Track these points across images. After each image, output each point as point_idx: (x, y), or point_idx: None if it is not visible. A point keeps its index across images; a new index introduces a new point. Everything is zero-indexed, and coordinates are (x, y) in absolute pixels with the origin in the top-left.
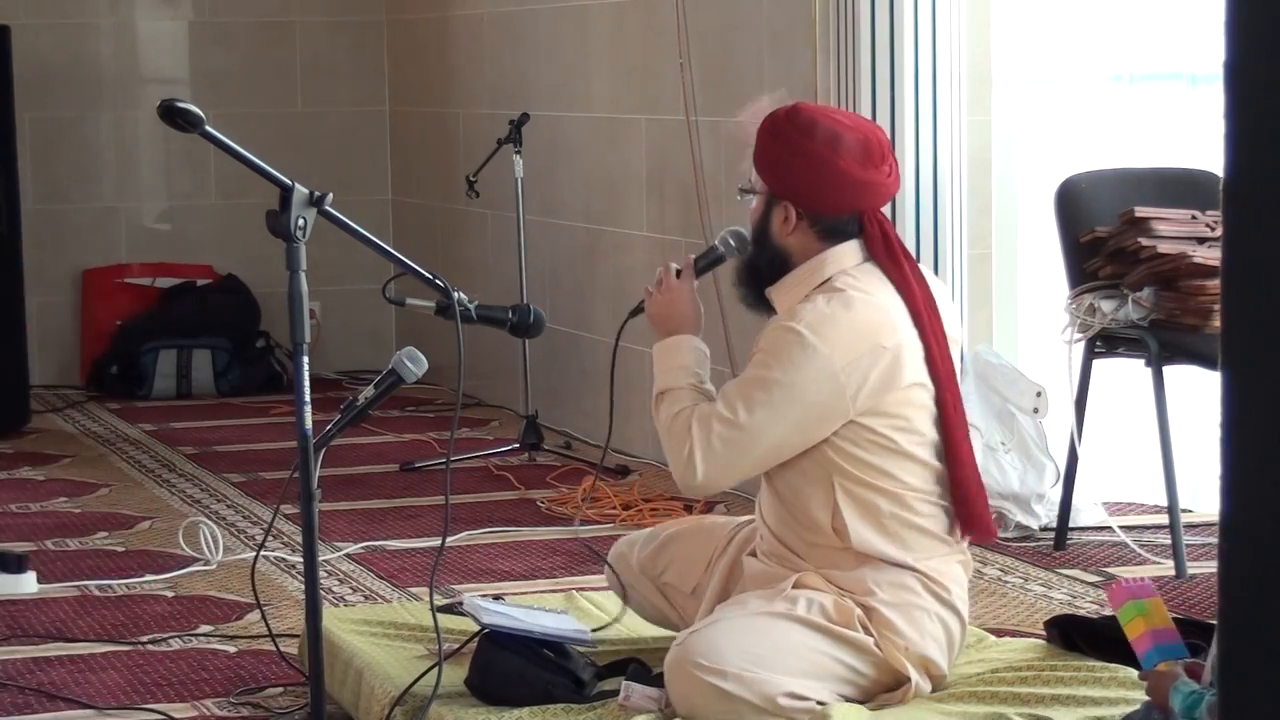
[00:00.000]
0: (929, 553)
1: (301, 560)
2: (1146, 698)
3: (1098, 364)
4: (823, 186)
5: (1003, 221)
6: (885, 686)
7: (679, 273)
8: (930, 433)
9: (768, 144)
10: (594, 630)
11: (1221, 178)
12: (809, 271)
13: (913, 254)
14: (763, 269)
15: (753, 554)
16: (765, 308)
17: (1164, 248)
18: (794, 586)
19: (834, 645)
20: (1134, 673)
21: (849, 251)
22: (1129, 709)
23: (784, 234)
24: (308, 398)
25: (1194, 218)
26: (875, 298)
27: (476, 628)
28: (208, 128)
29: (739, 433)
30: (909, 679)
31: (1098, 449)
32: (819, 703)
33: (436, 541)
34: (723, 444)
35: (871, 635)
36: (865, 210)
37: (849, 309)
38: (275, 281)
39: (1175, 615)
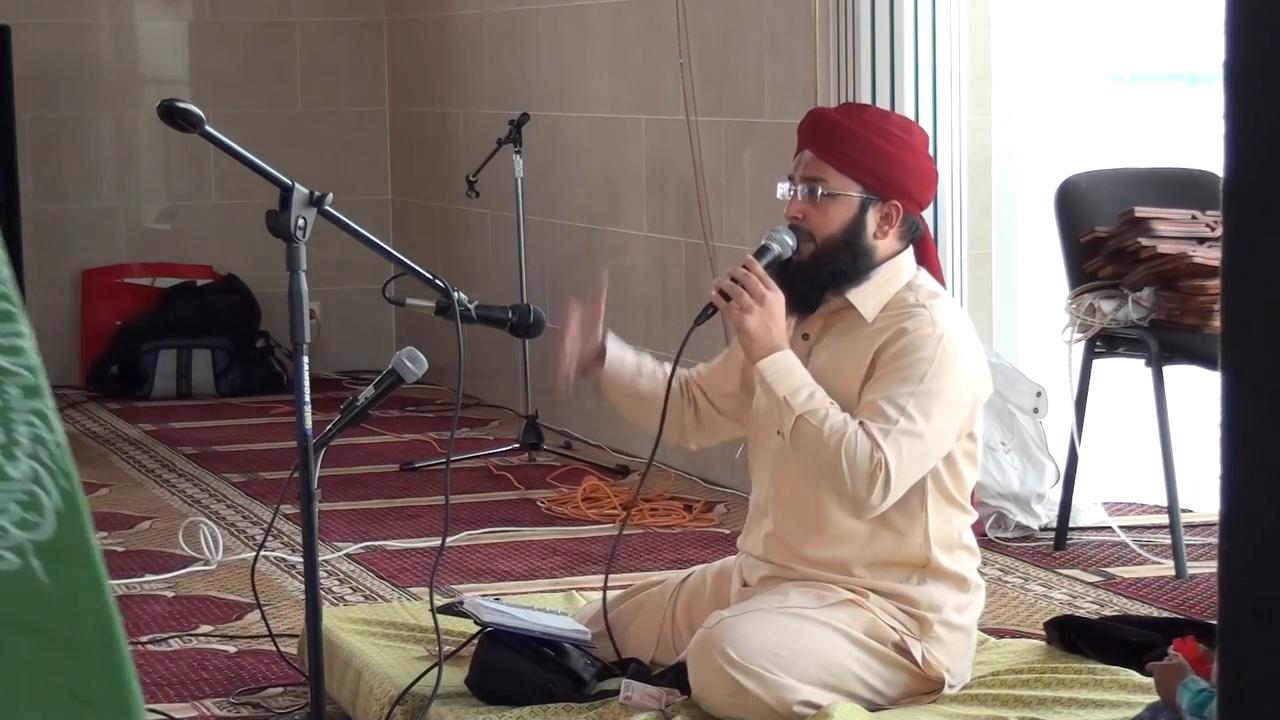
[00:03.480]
0: (972, 569)
1: (301, 560)
2: (1150, 699)
3: (1098, 364)
4: (923, 184)
5: (1003, 221)
6: (911, 693)
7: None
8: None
9: (873, 142)
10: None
11: (1221, 178)
12: (893, 272)
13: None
14: (848, 270)
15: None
16: (809, 307)
17: (1164, 248)
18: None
19: (869, 656)
20: (1134, 674)
21: (910, 256)
22: (1129, 711)
23: (879, 235)
24: (308, 398)
25: (1194, 218)
26: (957, 303)
27: (476, 628)
28: (208, 128)
29: (922, 444)
30: (940, 689)
31: (1098, 449)
32: None
33: (436, 541)
34: (911, 458)
35: (919, 648)
36: (927, 207)
37: (960, 314)
38: (275, 281)
39: (1175, 615)
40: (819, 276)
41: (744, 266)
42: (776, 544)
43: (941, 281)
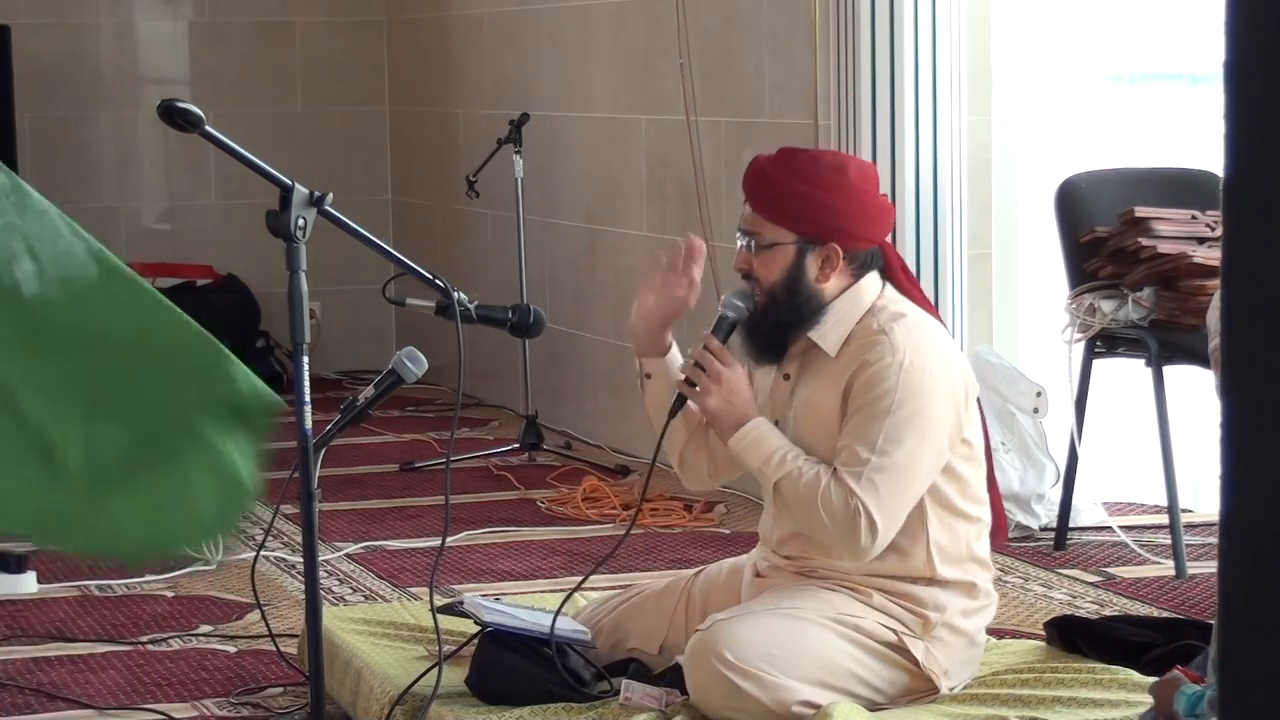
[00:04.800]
0: (985, 580)
1: (301, 560)
2: (1149, 698)
3: (1098, 364)
4: (865, 222)
5: (1003, 221)
6: (908, 692)
7: (709, 353)
8: (982, 440)
9: (800, 190)
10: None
11: (1221, 178)
12: (849, 304)
13: (906, 255)
14: (793, 318)
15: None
16: (774, 357)
17: (1164, 248)
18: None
19: (865, 654)
20: (1134, 674)
21: (874, 280)
22: (1129, 711)
23: (822, 279)
24: (308, 398)
25: (1194, 218)
26: (927, 316)
27: (476, 628)
28: (208, 128)
29: (900, 473)
30: (935, 690)
31: (1098, 449)
32: None
33: (436, 541)
34: (890, 492)
35: (919, 646)
36: (884, 238)
37: (925, 329)
38: (275, 281)
39: (1175, 615)
40: (770, 326)
41: (704, 346)
42: (791, 542)
43: (920, 297)
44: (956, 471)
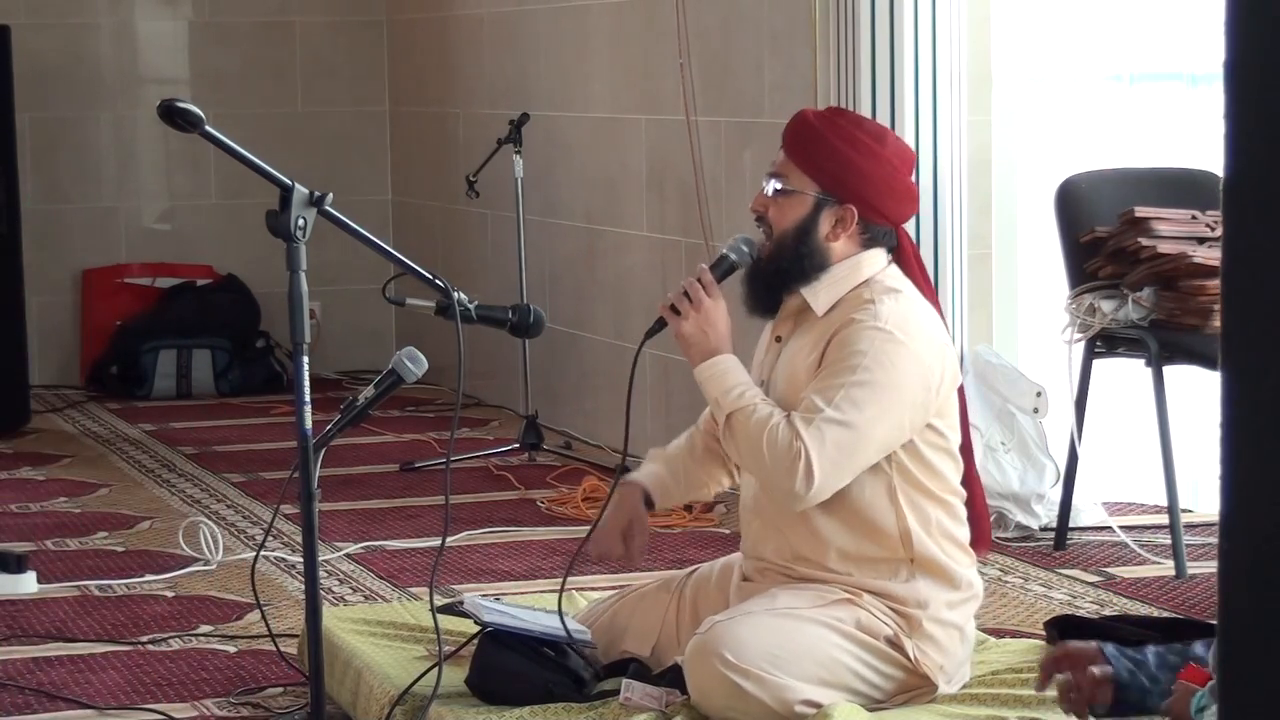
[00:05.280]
0: (966, 566)
1: (301, 560)
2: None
3: (1098, 364)
4: (887, 196)
5: (1003, 221)
6: (906, 689)
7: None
8: (958, 436)
9: (835, 146)
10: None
11: (1221, 178)
12: (848, 270)
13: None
14: (793, 269)
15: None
16: (768, 308)
17: (1164, 248)
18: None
19: (864, 650)
20: None
21: (879, 256)
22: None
23: (832, 237)
24: (308, 398)
25: (1194, 218)
26: (924, 301)
27: (476, 628)
28: (208, 128)
29: (852, 433)
30: (934, 687)
31: (1098, 449)
32: None
33: (436, 541)
34: (836, 447)
35: (909, 645)
36: (903, 222)
37: (916, 307)
38: (275, 281)
39: (1175, 615)
40: (770, 273)
41: (696, 276)
42: (768, 542)
43: (927, 287)
44: (925, 457)
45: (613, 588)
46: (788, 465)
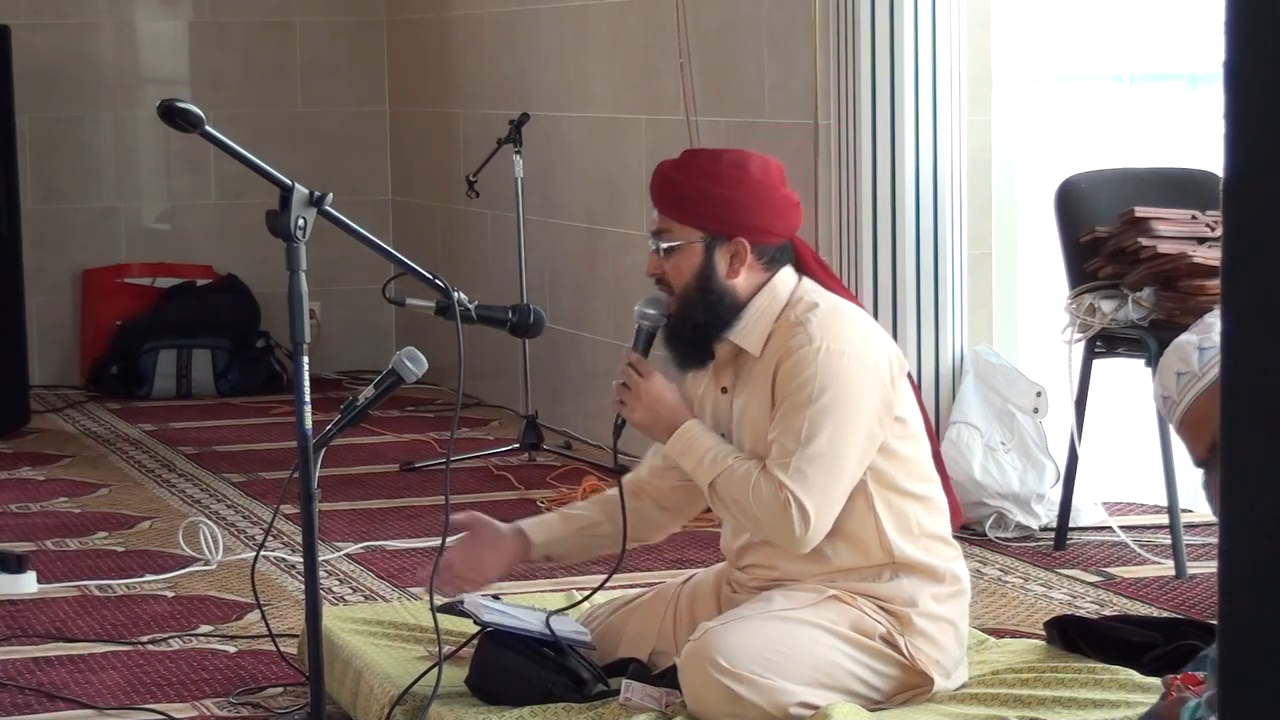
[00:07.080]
0: (949, 559)
1: (301, 560)
2: (1150, 698)
3: (1098, 364)
4: (770, 215)
5: (1003, 221)
6: (905, 688)
7: (634, 368)
8: (918, 414)
9: (702, 187)
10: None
11: (1221, 178)
12: (766, 301)
13: (906, 256)
14: (710, 319)
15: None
16: (699, 362)
17: (1164, 248)
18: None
19: (859, 651)
20: (1134, 674)
21: (788, 276)
22: (1129, 711)
23: (732, 274)
24: (308, 398)
25: (1194, 218)
26: (843, 301)
27: (476, 628)
28: (208, 128)
29: (829, 460)
30: (931, 683)
31: (1098, 449)
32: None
33: (436, 541)
34: (819, 480)
35: (902, 642)
36: (794, 232)
37: (840, 314)
38: (275, 281)
39: (1175, 615)
40: (690, 329)
41: (624, 362)
42: (750, 555)
43: (837, 284)
44: (895, 451)
45: (614, 588)
46: (780, 515)
